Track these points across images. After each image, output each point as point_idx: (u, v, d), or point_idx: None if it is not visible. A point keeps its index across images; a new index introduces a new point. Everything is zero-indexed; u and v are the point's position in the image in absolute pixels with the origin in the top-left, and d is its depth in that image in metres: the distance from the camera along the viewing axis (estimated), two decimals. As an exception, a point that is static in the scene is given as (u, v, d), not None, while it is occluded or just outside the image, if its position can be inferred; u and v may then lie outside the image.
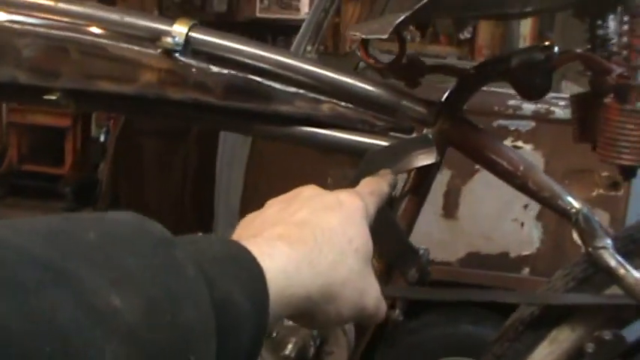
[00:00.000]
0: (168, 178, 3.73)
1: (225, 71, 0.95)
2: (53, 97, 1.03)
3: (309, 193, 0.72)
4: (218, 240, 0.56)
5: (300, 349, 0.95)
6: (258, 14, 5.68)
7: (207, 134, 3.65)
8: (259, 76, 0.96)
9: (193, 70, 0.96)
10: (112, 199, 3.69)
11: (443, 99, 0.97)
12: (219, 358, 0.48)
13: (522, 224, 2.61)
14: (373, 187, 0.78)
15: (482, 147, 0.96)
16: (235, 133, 1.04)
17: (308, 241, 0.61)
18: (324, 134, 0.98)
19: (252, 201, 2.83)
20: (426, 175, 0.98)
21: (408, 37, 5.78)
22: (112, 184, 3.73)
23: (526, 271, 2.62)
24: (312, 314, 0.61)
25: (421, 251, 0.98)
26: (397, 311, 1.01)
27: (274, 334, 0.98)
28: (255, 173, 2.83)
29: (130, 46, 0.97)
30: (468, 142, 0.97)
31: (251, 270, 0.54)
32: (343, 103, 0.97)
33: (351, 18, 5.20)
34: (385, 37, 0.79)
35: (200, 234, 0.57)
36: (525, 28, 4.95)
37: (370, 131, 0.97)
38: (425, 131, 0.97)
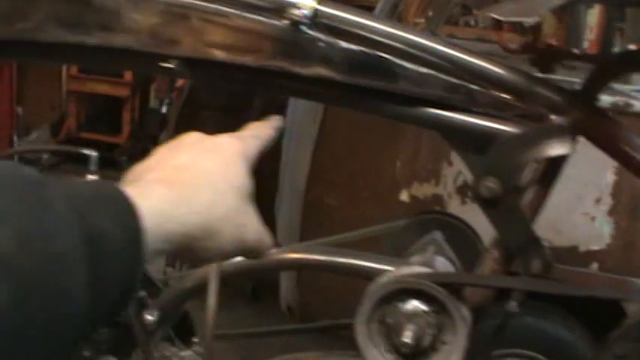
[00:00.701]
0: (228, 153, 3.72)
1: (355, 47, 0.92)
2: (170, 66, 1.01)
3: (191, 139, 0.76)
4: (94, 183, 0.64)
5: (417, 336, 0.93)
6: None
7: (270, 110, 3.64)
8: (389, 54, 0.93)
9: (321, 44, 0.93)
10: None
11: (579, 87, 0.93)
12: (93, 285, 0.52)
13: (593, 218, 2.56)
14: (257, 131, 0.83)
15: (617, 139, 0.92)
16: (359, 111, 1.00)
17: (186, 182, 0.67)
18: (453, 117, 0.94)
19: (319, 179, 2.82)
20: (555, 165, 0.94)
21: (471, 22, 5.70)
22: (172, 156, 3.72)
23: (594, 266, 2.58)
24: (192, 249, 0.66)
25: (545, 243, 0.94)
26: (513, 302, 0.98)
27: (388, 320, 0.95)
28: (322, 151, 2.81)
29: (254, 17, 0.94)
30: (602, 134, 0.93)
31: (124, 207, 0.58)
32: (474, 86, 0.93)
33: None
34: (532, 21, 0.76)
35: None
36: (592, 18, 4.84)
37: (500, 117, 0.93)
38: (555, 119, 0.93)
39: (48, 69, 5.25)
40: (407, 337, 0.92)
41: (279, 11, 0.93)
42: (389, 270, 0.99)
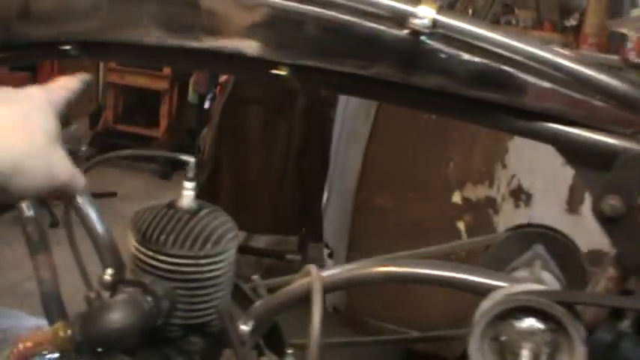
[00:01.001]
0: (271, 150, 3.70)
1: (477, 59, 0.90)
2: (282, 73, 0.99)
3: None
4: None
5: (534, 355, 0.91)
6: None
7: (314, 108, 3.62)
8: (511, 67, 0.91)
9: (442, 55, 0.91)
10: (213, 167, 3.68)
11: None
12: None
13: (648, 226, 2.53)
14: (64, 83, 0.90)
15: None
16: (477, 124, 0.99)
17: None
18: (573, 133, 0.92)
19: (370, 179, 2.81)
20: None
21: (513, 22, 5.65)
22: (215, 151, 3.71)
23: None
24: (5, 186, 0.74)
25: (664, 263, 0.92)
26: (626, 322, 0.96)
27: (502, 338, 0.93)
28: (374, 152, 2.79)
29: (374, 25, 0.93)
30: None
31: None
32: (597, 102, 0.91)
33: None
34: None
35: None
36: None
37: (622, 134, 0.91)
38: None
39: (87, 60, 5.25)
40: (525, 355, 0.90)
41: (399, 20, 0.91)
42: (501, 286, 0.97)
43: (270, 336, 1.18)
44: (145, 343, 1.09)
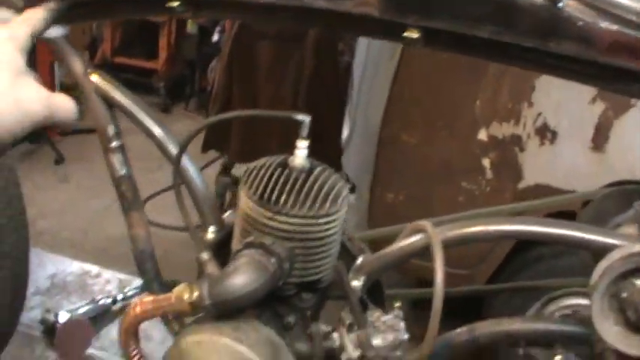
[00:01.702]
0: (281, 83, 3.68)
1: (615, 27, 0.91)
2: (414, 36, 1.00)
3: None
4: None
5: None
6: None
7: (324, 41, 3.59)
8: (647, 34, 0.92)
9: (579, 22, 0.92)
10: (224, 99, 3.66)
11: None
12: None
13: (673, 162, 2.57)
14: (28, 16, 0.89)
15: None
16: (611, 91, 1.00)
17: None
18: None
19: (395, 115, 2.81)
20: None
21: None
22: (225, 85, 3.69)
23: None
24: None
25: None
26: None
27: (623, 295, 0.97)
28: (400, 89, 2.78)
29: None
30: None
31: None
32: None
33: None
34: None
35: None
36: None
37: None
38: None
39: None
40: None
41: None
42: (617, 245, 1.00)
43: (372, 290, 1.20)
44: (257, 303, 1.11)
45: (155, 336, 2.07)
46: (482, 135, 2.72)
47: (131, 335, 1.13)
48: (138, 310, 1.09)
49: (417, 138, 2.79)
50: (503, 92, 2.68)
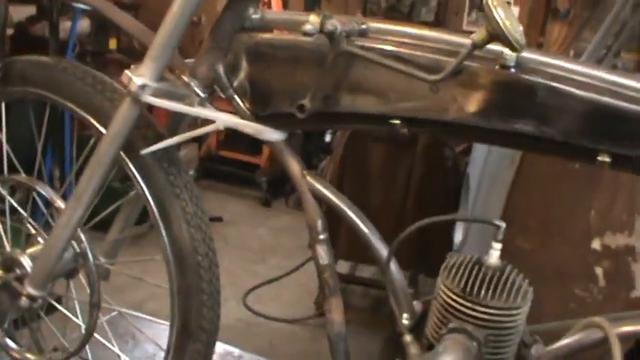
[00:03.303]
0: (392, 186, 3.84)
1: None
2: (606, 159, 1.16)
3: None
4: None
5: None
6: (464, 27, 5.74)
7: (434, 147, 3.77)
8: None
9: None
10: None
11: None
12: None
13: None
14: None
15: None
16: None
17: None
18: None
19: (512, 222, 2.94)
20: None
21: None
22: (337, 184, 3.87)
23: None
24: None
25: None
26: None
27: None
28: (516, 196, 2.92)
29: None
30: None
31: None
32: None
33: (555, 40, 5.23)
34: None
35: None
36: None
37: None
38: None
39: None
40: None
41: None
42: None
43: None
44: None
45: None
46: (596, 244, 2.84)
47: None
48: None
49: (532, 244, 2.92)
50: (617, 203, 2.80)
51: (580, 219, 2.87)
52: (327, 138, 4.63)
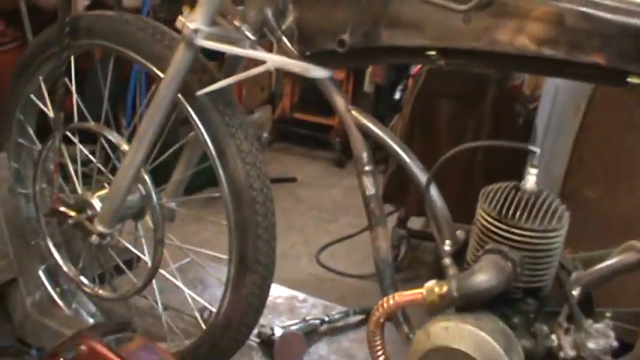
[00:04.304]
0: (460, 142, 3.81)
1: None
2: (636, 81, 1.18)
3: None
4: None
5: None
6: None
7: (502, 101, 3.75)
8: None
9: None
10: (404, 157, 3.85)
11: None
12: None
13: None
14: None
15: None
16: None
17: None
18: None
19: (578, 171, 2.94)
20: None
21: None
22: (406, 141, 3.88)
23: None
24: None
25: None
26: None
27: None
28: (582, 145, 2.91)
29: None
30: None
31: None
32: None
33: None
34: None
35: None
36: None
37: None
38: None
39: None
40: None
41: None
42: None
43: (583, 302, 1.38)
44: (486, 304, 1.32)
45: (360, 356, 2.30)
46: (662, 196, 2.81)
47: (379, 328, 1.37)
48: (391, 302, 1.33)
49: (598, 194, 2.91)
50: (684, 151, 2.77)
51: (645, 168, 2.85)
52: (397, 95, 4.65)
